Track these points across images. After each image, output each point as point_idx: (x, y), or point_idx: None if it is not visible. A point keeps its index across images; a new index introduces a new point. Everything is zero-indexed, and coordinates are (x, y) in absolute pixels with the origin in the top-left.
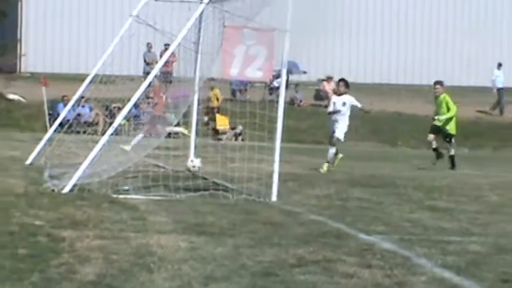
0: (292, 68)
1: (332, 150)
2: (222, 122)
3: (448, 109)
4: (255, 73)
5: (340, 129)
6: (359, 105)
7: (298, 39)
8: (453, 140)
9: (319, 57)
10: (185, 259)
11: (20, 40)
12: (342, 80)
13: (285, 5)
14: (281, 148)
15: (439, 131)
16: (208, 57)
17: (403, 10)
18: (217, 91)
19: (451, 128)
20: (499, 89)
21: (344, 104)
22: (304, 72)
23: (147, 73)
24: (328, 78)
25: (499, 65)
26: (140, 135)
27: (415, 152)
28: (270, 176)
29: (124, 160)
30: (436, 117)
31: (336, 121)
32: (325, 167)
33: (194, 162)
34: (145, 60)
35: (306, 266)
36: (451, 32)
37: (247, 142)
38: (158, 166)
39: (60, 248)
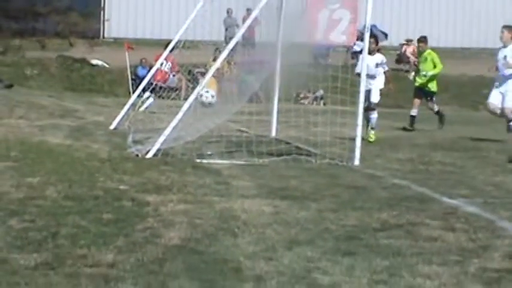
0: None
1: (374, 115)
2: None
3: (434, 66)
4: (339, 37)
5: (374, 95)
6: (386, 68)
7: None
8: (434, 98)
9: (401, 21)
10: (269, 223)
11: (104, 6)
12: (372, 36)
13: None
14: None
15: (422, 91)
16: (291, 23)
17: None
18: None
19: (432, 86)
20: None
21: (377, 65)
22: (386, 36)
23: (229, 38)
24: (408, 41)
25: None
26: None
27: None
28: (353, 140)
29: (207, 124)
30: (422, 73)
31: (370, 85)
32: (372, 135)
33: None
34: (225, 27)
35: (390, 230)
36: None
37: (329, 106)
38: (241, 131)
39: (145, 213)
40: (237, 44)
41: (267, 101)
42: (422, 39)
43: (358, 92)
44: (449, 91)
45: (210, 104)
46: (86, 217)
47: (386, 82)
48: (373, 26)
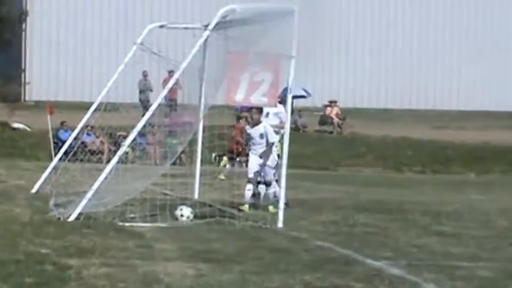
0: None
1: (271, 190)
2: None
3: None
4: (260, 99)
5: (268, 171)
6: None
7: (302, 64)
8: None
9: (324, 83)
10: (192, 286)
11: (24, 69)
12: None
13: (291, 31)
14: (287, 174)
15: None
16: (212, 84)
17: (407, 35)
18: None
19: None
20: None
21: (262, 135)
22: (303, 96)
23: (141, 101)
24: (332, 103)
25: None
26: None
27: (421, 177)
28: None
29: (130, 189)
30: None
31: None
32: (272, 209)
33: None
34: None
35: None
36: (456, 57)
37: None
38: (165, 194)
39: (67, 276)
40: (159, 106)
41: (190, 163)
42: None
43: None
44: (373, 152)
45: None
46: (7, 281)
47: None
48: (286, 89)
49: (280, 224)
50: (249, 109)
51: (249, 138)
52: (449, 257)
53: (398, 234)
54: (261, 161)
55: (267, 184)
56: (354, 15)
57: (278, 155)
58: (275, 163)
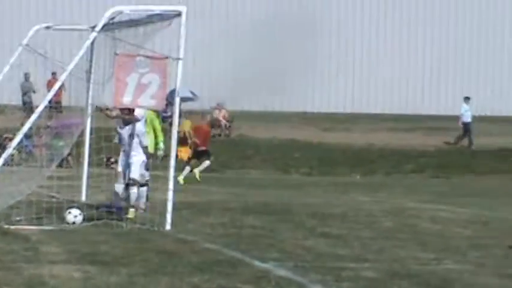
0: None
1: (133, 190)
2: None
3: None
4: (148, 101)
5: (134, 170)
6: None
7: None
8: None
9: (212, 85)
10: None
11: None
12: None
13: (178, 33)
14: (175, 177)
15: None
16: (100, 86)
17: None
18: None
19: None
20: (466, 123)
21: (132, 136)
22: (190, 99)
23: (25, 103)
24: (219, 105)
25: (467, 99)
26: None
27: (308, 179)
28: (164, 204)
29: (15, 191)
30: None
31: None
32: (131, 212)
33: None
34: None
35: None
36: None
37: None
38: (51, 196)
39: None
40: (45, 108)
41: (77, 165)
42: None
43: (169, 157)
44: (261, 155)
45: None
46: None
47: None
48: (173, 91)
49: (168, 227)
50: (121, 110)
51: (120, 138)
52: (335, 259)
53: (286, 235)
54: (139, 161)
55: (134, 185)
56: None
57: (148, 156)
58: (144, 164)
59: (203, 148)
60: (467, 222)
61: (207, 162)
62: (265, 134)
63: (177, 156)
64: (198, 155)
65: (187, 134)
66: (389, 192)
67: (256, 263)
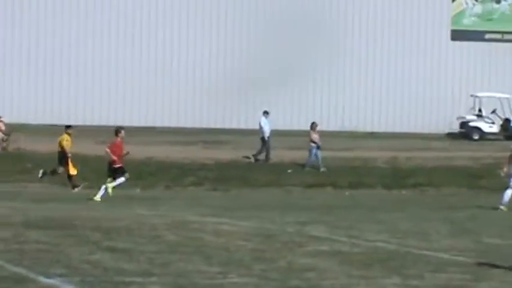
0: None
1: None
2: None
3: None
4: None
5: None
6: None
7: None
8: None
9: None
10: None
11: None
12: None
13: None
14: None
15: None
16: None
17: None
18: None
19: None
20: (264, 138)
21: None
22: None
23: None
24: None
25: (266, 113)
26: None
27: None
28: None
29: None
30: None
31: None
32: None
33: None
34: None
35: None
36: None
37: None
38: None
39: None
40: None
41: None
42: None
43: None
44: (40, 168)
45: None
46: None
47: None
48: None
49: None
50: None
51: None
52: (121, 273)
53: (71, 250)
54: None
55: None
56: None
57: None
58: None
59: None
60: (250, 235)
61: None
62: (46, 147)
63: None
64: None
65: None
66: (170, 205)
67: (42, 278)
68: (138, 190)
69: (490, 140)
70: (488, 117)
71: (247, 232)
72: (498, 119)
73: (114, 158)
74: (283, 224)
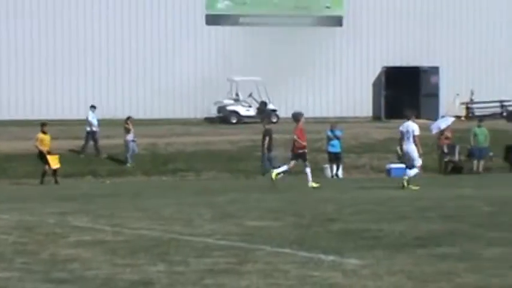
0: None
1: None
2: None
3: None
4: None
5: None
6: None
7: None
8: None
9: None
10: None
11: None
12: None
13: None
14: None
15: None
16: None
17: None
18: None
19: None
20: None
21: None
22: None
23: None
24: None
25: (93, 107)
26: None
27: None
28: None
29: None
30: None
31: None
32: None
33: None
34: None
35: None
36: None
37: None
38: None
39: None
40: None
41: None
42: None
43: None
44: None
45: None
46: None
47: None
48: None
49: None
50: None
51: None
52: None
53: None
54: None
55: None
56: None
57: None
58: None
59: None
60: (11, 228)
61: None
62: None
63: None
64: None
65: None
66: None
67: None
68: None
69: (247, 123)
70: (245, 101)
71: (7, 225)
72: (255, 102)
73: (304, 143)
74: (44, 215)
